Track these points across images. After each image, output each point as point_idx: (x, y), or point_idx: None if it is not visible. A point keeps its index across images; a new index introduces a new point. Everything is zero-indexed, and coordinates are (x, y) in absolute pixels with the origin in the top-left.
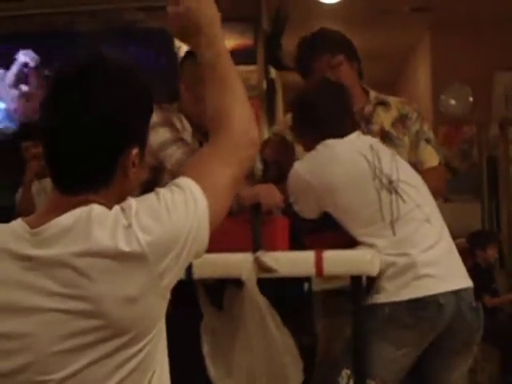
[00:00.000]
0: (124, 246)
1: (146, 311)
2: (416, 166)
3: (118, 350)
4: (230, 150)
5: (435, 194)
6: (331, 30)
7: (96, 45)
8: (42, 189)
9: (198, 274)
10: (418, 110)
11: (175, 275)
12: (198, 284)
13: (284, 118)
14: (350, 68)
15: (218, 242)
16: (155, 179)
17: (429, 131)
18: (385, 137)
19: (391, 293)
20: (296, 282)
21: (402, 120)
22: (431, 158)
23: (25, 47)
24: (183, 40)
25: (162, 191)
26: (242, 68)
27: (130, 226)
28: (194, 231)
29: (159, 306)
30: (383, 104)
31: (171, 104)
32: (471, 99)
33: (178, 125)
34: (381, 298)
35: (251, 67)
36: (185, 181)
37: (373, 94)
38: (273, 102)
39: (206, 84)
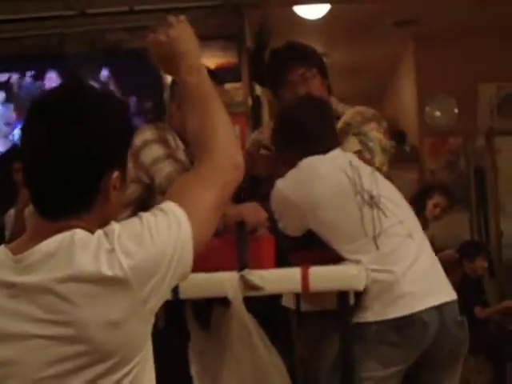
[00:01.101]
0: (107, 271)
1: (130, 335)
2: None
3: (103, 374)
4: (213, 174)
5: None
6: (302, 44)
7: (83, 65)
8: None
9: (184, 293)
10: (366, 116)
11: (159, 299)
12: (185, 305)
13: (264, 128)
14: (321, 82)
15: (204, 260)
16: (148, 197)
17: (370, 130)
18: None
19: (377, 312)
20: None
21: (344, 130)
22: (349, 145)
23: (15, 69)
24: (163, 68)
25: (144, 215)
26: (227, 85)
27: (112, 250)
28: (178, 254)
29: (143, 330)
30: (338, 118)
31: (162, 122)
32: (456, 110)
33: (172, 143)
34: (367, 317)
35: (236, 84)
36: (168, 205)
37: (334, 106)
38: (259, 119)
39: (187, 109)
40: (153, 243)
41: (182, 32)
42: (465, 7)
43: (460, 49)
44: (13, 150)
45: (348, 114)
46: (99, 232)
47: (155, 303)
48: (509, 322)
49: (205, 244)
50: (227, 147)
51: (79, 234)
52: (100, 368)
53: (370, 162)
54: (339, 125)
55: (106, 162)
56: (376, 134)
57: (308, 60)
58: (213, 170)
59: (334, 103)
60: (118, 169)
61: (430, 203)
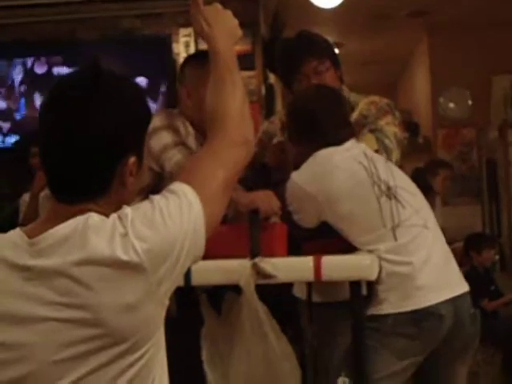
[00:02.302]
0: (122, 255)
1: (145, 319)
2: None
3: (117, 357)
4: (224, 149)
5: None
6: (315, 34)
7: (95, 52)
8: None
9: (196, 280)
10: (380, 107)
11: (173, 282)
12: (199, 290)
13: (276, 119)
14: (334, 74)
15: (217, 248)
16: (158, 185)
17: (386, 125)
18: None
19: (394, 304)
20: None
21: (359, 121)
22: (366, 143)
23: (26, 55)
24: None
25: (156, 198)
26: (241, 73)
27: (126, 234)
28: (190, 236)
29: (158, 313)
30: (352, 109)
31: (174, 108)
32: (470, 102)
33: (182, 129)
34: (383, 309)
35: (250, 73)
36: (179, 186)
37: (346, 95)
38: (272, 107)
39: (209, 83)
40: (165, 226)
41: (198, 13)
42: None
43: (474, 41)
44: (30, 135)
45: (362, 104)
46: (113, 216)
47: (169, 286)
48: None
49: (216, 224)
50: (240, 122)
51: (94, 217)
52: (114, 351)
53: None
54: (354, 116)
55: (122, 147)
56: (392, 128)
57: (321, 52)
58: (224, 145)
59: (346, 93)
60: (135, 154)
61: (439, 179)
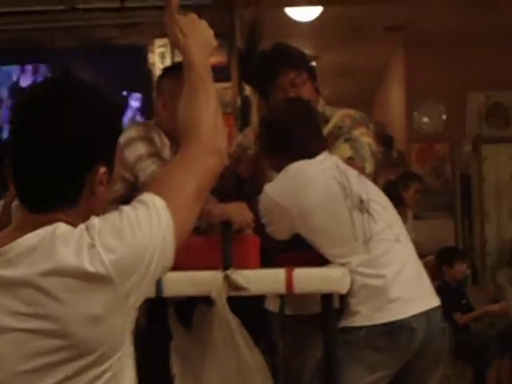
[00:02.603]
0: (89, 266)
1: (112, 331)
2: None
3: (83, 369)
4: (196, 159)
5: None
6: (292, 47)
7: (72, 61)
8: None
9: (168, 291)
10: (354, 119)
11: (142, 293)
12: (168, 303)
13: (249, 131)
14: (311, 86)
15: (189, 259)
16: (132, 195)
17: (360, 135)
18: None
19: (366, 316)
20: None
21: (333, 133)
22: (340, 151)
23: (4, 63)
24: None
25: (125, 209)
26: (217, 85)
27: (93, 245)
28: (160, 247)
29: (125, 325)
30: (326, 121)
31: (150, 120)
32: (444, 117)
33: (158, 141)
34: (356, 322)
35: (225, 84)
36: (149, 196)
37: (320, 108)
38: (247, 119)
39: (183, 93)
40: (134, 237)
41: (173, 22)
42: (456, 15)
43: (450, 56)
44: (4, 145)
45: (337, 116)
46: (81, 226)
47: (137, 297)
48: (489, 328)
49: (187, 234)
50: (213, 132)
51: (61, 227)
52: (81, 363)
53: (361, 169)
54: (329, 127)
55: (92, 156)
56: (366, 138)
57: (298, 64)
58: (195, 155)
59: (321, 106)
60: (105, 164)
61: (410, 192)
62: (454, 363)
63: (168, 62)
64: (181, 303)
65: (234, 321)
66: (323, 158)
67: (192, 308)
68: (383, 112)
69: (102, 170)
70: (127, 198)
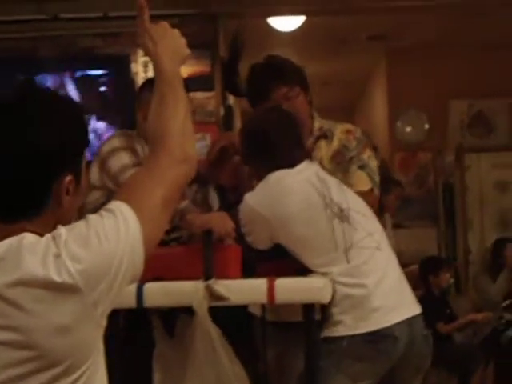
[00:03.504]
0: (55, 276)
1: (81, 340)
2: None
3: (53, 380)
4: (163, 167)
5: None
6: (284, 59)
7: (55, 70)
8: None
9: (148, 302)
10: (359, 139)
11: (110, 302)
12: (151, 312)
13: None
14: (304, 99)
15: (170, 269)
16: None
17: (368, 159)
18: None
19: (349, 326)
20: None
21: (340, 152)
22: (360, 182)
23: None
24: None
25: (91, 217)
26: (200, 94)
27: (59, 255)
28: (128, 255)
29: (94, 334)
30: (326, 136)
31: (132, 130)
32: (427, 126)
33: (140, 151)
34: (338, 331)
35: (208, 93)
36: (116, 204)
37: (318, 123)
38: (230, 129)
39: (152, 102)
40: (100, 246)
41: (144, 31)
42: (437, 24)
43: (432, 65)
44: None
45: (339, 133)
46: (47, 236)
47: (106, 306)
48: (472, 336)
49: (155, 243)
50: (181, 140)
51: (28, 237)
52: (50, 374)
53: (377, 200)
54: (334, 146)
55: (57, 166)
56: (374, 162)
57: (291, 78)
58: (163, 163)
59: (318, 120)
60: (71, 173)
61: (391, 197)
62: (437, 372)
63: (151, 72)
64: (164, 312)
65: (214, 331)
66: (304, 167)
67: (174, 317)
68: (366, 121)
69: (68, 179)
70: None
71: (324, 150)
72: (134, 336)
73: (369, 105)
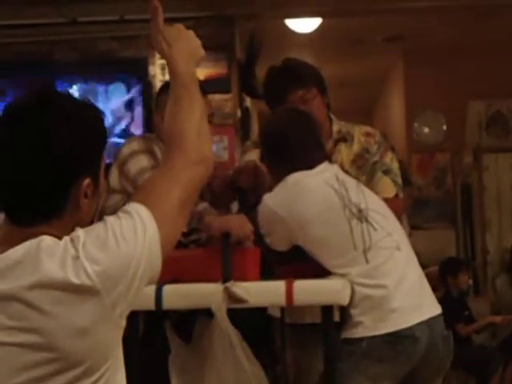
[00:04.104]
0: (73, 278)
1: (100, 342)
2: None
3: (73, 381)
4: (179, 168)
5: None
6: (301, 62)
7: (73, 73)
8: None
9: (167, 304)
10: (379, 142)
11: (129, 303)
12: (164, 317)
13: (250, 145)
14: (321, 101)
15: (189, 271)
16: None
17: (391, 162)
18: None
19: (368, 327)
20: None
21: (362, 155)
22: (386, 188)
23: (4, 76)
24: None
25: (109, 219)
26: (217, 96)
27: (78, 257)
28: (146, 257)
29: (113, 335)
30: (345, 140)
31: (151, 133)
32: (445, 127)
33: (159, 154)
34: (358, 333)
35: (225, 96)
36: (133, 206)
37: (336, 126)
38: (248, 131)
39: (168, 104)
40: (118, 248)
41: (158, 33)
42: (454, 24)
43: (449, 65)
44: None
45: (358, 135)
46: (66, 238)
47: (124, 308)
48: (491, 338)
49: (172, 245)
50: (197, 141)
51: (46, 240)
52: (70, 375)
53: (402, 203)
54: (355, 149)
55: (76, 169)
56: (396, 164)
57: (307, 81)
58: (179, 165)
59: (336, 123)
60: (89, 177)
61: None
62: (457, 374)
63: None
64: (181, 315)
65: (233, 333)
66: (323, 168)
67: (192, 320)
68: (383, 123)
69: (86, 182)
70: None
71: (344, 153)
72: (151, 339)
73: (386, 106)
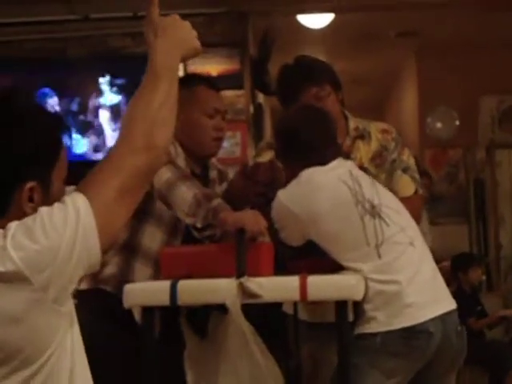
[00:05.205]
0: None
1: (36, 329)
2: None
3: (12, 372)
4: (120, 156)
5: None
6: (314, 59)
7: (86, 70)
8: None
9: (182, 299)
10: (396, 139)
11: (64, 289)
12: (179, 312)
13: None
14: (335, 99)
15: (203, 267)
16: (145, 202)
17: (408, 159)
18: None
19: (382, 322)
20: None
21: (380, 153)
22: (405, 187)
23: (16, 73)
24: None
25: (42, 209)
26: (229, 92)
27: (5, 247)
28: (80, 244)
29: (50, 321)
30: (363, 137)
31: None
32: (457, 122)
33: (172, 150)
34: (372, 328)
35: (238, 92)
36: (71, 195)
37: (352, 123)
38: (260, 127)
39: None
40: (44, 234)
41: (150, 22)
42: (467, 20)
43: (462, 61)
44: None
45: (375, 132)
46: (0, 231)
47: (58, 292)
48: (504, 334)
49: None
50: (147, 128)
51: None
52: (9, 366)
53: (422, 199)
54: (374, 146)
55: (19, 173)
56: (412, 160)
57: (320, 78)
58: (122, 152)
59: (352, 120)
60: (36, 181)
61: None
62: (471, 369)
63: (180, 72)
64: (195, 310)
65: (248, 328)
66: (336, 164)
67: (206, 316)
68: (396, 118)
69: (29, 186)
70: (143, 206)
71: (362, 150)
72: (166, 334)
73: (398, 102)
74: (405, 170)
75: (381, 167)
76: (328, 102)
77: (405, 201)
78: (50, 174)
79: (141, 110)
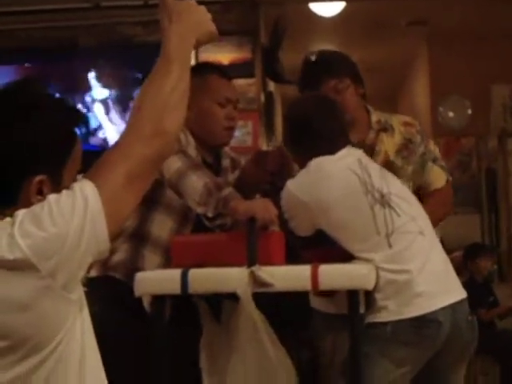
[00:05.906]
0: (7, 255)
1: (45, 316)
2: (423, 187)
3: (23, 358)
4: (128, 143)
5: (445, 216)
6: (334, 52)
7: (96, 58)
8: None
9: (193, 288)
10: (421, 132)
11: (72, 276)
12: (199, 298)
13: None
14: (354, 92)
15: (215, 255)
16: (155, 190)
17: (434, 149)
18: (389, 167)
19: (392, 311)
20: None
21: (406, 145)
22: (438, 178)
23: (26, 61)
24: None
25: (50, 197)
26: (240, 81)
27: (13, 234)
28: (88, 231)
29: (59, 308)
30: (386, 129)
31: None
32: (469, 111)
33: (183, 139)
34: (383, 317)
35: (249, 80)
36: (80, 182)
37: (374, 117)
38: (271, 115)
39: None
40: (53, 224)
41: (164, 8)
42: (479, 8)
43: (474, 50)
44: None
45: (398, 125)
46: (7, 219)
47: (66, 279)
48: None
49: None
50: (158, 113)
51: None
52: (19, 353)
53: (451, 190)
54: (398, 139)
55: (28, 166)
56: (437, 149)
57: (339, 71)
58: (129, 139)
59: (374, 113)
60: (46, 174)
61: None
62: (482, 359)
63: (192, 60)
64: (211, 298)
65: (259, 317)
66: (345, 153)
67: (219, 303)
68: (408, 107)
69: (38, 179)
70: (152, 194)
71: (387, 143)
72: (179, 318)
73: (410, 91)
74: (434, 161)
75: (407, 159)
76: (346, 95)
77: (438, 192)
78: (61, 169)
79: (151, 96)
